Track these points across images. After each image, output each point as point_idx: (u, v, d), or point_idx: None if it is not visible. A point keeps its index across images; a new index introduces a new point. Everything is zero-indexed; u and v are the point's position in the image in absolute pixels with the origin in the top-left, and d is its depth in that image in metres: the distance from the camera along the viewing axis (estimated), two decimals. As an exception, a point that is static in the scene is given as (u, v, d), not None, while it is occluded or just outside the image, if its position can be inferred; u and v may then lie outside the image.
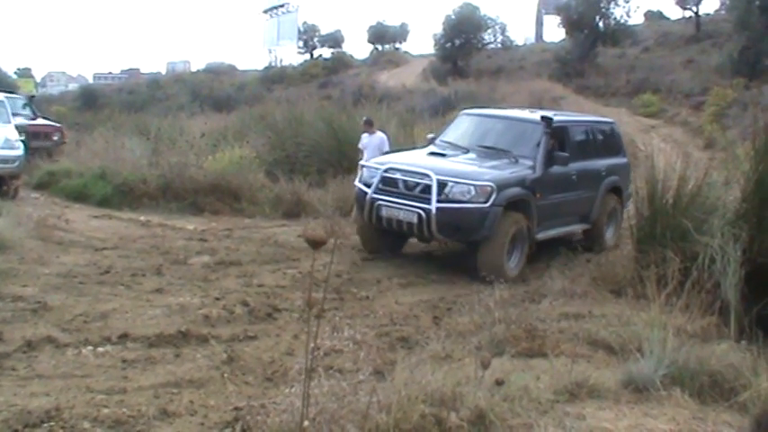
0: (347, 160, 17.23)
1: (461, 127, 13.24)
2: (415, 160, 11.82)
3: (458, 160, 11.82)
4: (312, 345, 6.55)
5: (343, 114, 20.15)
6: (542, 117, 12.29)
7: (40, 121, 21.82)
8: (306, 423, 3.67)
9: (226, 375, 6.49)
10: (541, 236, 11.86)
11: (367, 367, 6.17)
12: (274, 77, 58.59)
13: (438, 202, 10.74)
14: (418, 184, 11.04)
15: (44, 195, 16.17)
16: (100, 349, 6.99)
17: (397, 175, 11.34)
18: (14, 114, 19.42)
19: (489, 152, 12.05)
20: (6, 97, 21.10)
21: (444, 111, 31.55)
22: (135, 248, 11.56)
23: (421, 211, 10.81)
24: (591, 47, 45.59)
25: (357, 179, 12.39)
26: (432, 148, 12.51)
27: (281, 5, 65.65)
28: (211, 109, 42.47)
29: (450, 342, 7.36)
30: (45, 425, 5.27)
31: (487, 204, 10.65)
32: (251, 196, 15.82)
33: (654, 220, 9.41)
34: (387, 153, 14.04)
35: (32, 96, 25.28)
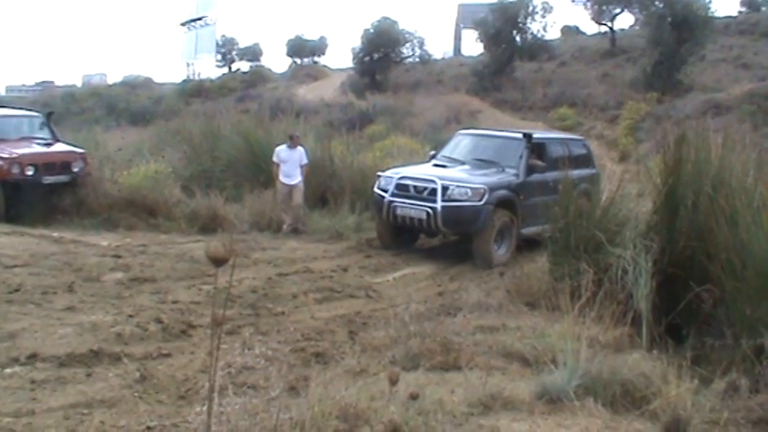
0: (264, 175, 17.16)
1: (457, 144, 15.61)
2: (423, 170, 14.32)
3: (456, 170, 14.24)
4: (221, 362, 6.51)
5: (260, 128, 19.99)
6: (524, 134, 14.69)
7: (58, 146, 16.97)
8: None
9: (138, 394, 6.39)
10: (525, 231, 13.74)
11: (279, 384, 6.14)
12: (192, 91, 57.88)
13: (442, 201, 13.08)
14: (426, 188, 13.37)
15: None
16: (7, 370, 6.81)
17: (409, 182, 13.65)
18: (26, 138, 16.78)
19: (481, 163, 14.47)
20: (20, 115, 18.20)
21: (362, 124, 31.66)
22: (46, 266, 11.26)
23: (429, 210, 13.17)
24: (508, 61, 46.15)
25: (375, 186, 14.34)
26: (434, 161, 15.06)
27: (199, 18, 64.88)
28: (128, 123, 41.96)
29: (365, 357, 7.36)
30: (-52, 450, 5.15)
31: (481, 203, 12.98)
32: (167, 211, 15.61)
33: (568, 233, 9.53)
34: (306, 165, 15.94)
35: (51, 113, 19.31)
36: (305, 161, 15.85)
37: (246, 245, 13.48)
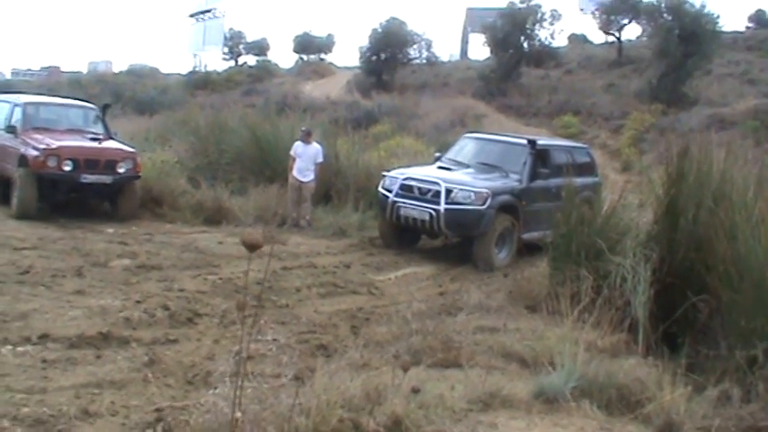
0: (269, 169, 17.30)
1: (463, 147, 15.71)
2: (427, 172, 14.40)
3: (461, 173, 14.35)
4: (238, 347, 6.65)
5: (266, 123, 20.05)
6: (528, 140, 14.82)
7: (108, 143, 15.13)
8: (239, 414, 3.79)
9: (149, 377, 6.54)
10: (527, 236, 13.74)
11: (289, 372, 6.28)
12: (198, 83, 57.68)
13: (446, 204, 13.21)
14: (430, 190, 13.51)
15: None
16: (20, 349, 6.98)
17: (413, 183, 13.77)
18: (74, 130, 15.40)
19: (485, 167, 14.55)
20: (72, 105, 16.98)
21: (367, 124, 31.73)
22: (55, 249, 11.43)
23: (432, 211, 13.32)
24: (515, 66, 46.12)
25: (380, 186, 14.48)
26: (439, 164, 15.11)
27: (208, 10, 64.79)
28: (134, 111, 41.91)
29: (367, 351, 7.46)
30: (-37, 423, 5.28)
31: (484, 207, 13.11)
32: (172, 201, 15.71)
33: (569, 239, 9.62)
34: (320, 163, 16.14)
35: (108, 105, 17.62)
36: (320, 159, 16.03)
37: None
